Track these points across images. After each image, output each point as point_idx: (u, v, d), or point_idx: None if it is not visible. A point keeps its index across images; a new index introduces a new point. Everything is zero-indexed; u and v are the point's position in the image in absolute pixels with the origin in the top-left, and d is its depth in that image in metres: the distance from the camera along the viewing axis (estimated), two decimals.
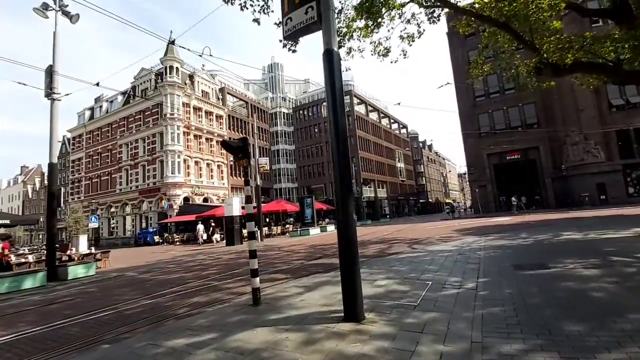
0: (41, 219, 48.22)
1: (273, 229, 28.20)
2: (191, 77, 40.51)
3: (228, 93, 47.44)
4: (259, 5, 8.73)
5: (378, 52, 12.23)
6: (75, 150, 48.46)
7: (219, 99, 45.02)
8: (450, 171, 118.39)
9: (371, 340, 3.23)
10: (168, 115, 35.16)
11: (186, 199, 36.26)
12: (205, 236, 25.41)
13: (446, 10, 11.45)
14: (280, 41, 10.28)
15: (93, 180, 44.48)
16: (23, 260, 12.13)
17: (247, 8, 8.70)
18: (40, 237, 64.98)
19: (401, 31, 11.58)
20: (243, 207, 32.30)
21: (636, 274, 5.06)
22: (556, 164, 31.58)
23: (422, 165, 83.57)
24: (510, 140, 33.29)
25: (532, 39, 8.95)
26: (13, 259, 11.77)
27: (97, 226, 28.36)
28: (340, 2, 10.92)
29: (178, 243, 28.01)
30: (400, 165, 69.23)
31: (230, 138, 44.56)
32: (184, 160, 36.62)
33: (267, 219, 35.25)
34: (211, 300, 5.72)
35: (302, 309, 4.50)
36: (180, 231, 31.52)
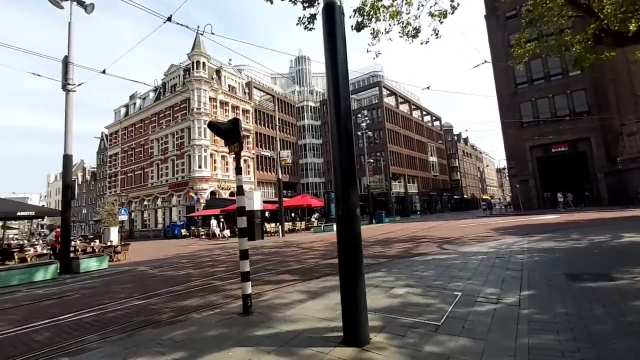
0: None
1: (297, 224, 27.67)
2: (218, 71, 40.81)
3: (255, 87, 47.45)
4: None
5: (407, 33, 11.02)
6: (112, 146, 50.83)
7: (245, 93, 45.14)
8: (487, 165, 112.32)
9: None
10: (195, 110, 35.61)
11: (213, 193, 36.70)
12: (217, 231, 25.50)
13: None
14: (299, 21, 9.55)
15: (128, 175, 46.38)
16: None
17: None
18: (76, 228, 69.39)
19: (431, 7, 10.31)
20: (266, 202, 32.19)
21: None
22: (610, 157, 28.32)
23: (456, 160, 79.59)
24: (556, 131, 30.30)
25: (590, 1, 7.46)
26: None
27: (126, 219, 29.23)
28: None
29: (203, 237, 28.27)
30: (433, 159, 66.29)
31: (256, 133, 44.67)
32: (211, 155, 37.01)
33: (293, 214, 34.96)
34: (203, 305, 5.07)
35: (297, 323, 3.70)
36: (206, 225, 31.87)
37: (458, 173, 78.78)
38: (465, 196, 79.01)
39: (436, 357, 2.70)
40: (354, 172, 3.26)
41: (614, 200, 27.24)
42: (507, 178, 40.42)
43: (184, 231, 31.66)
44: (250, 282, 4.29)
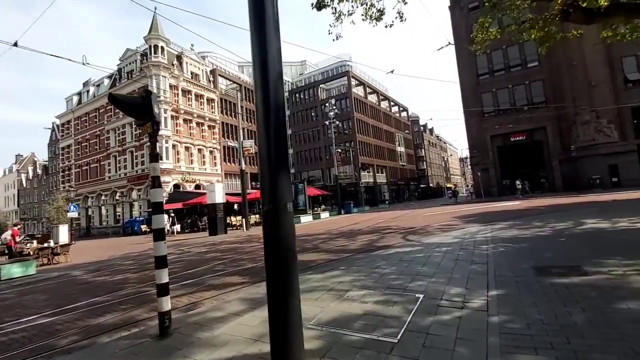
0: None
1: None
2: (179, 57, 38.31)
3: (220, 75, 45.26)
4: None
5: (370, 16, 10.33)
6: (65, 137, 46.74)
7: (210, 81, 42.89)
8: (451, 155, 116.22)
9: None
10: None
11: (176, 186, 34.75)
12: (168, 226, 24.14)
13: None
14: None
15: (83, 168, 42.93)
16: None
17: None
18: (28, 226, 64.19)
19: None
20: (233, 194, 30.82)
21: None
22: (564, 145, 29.67)
23: (422, 150, 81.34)
24: (515, 120, 31.34)
25: None
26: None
27: (76, 215, 26.86)
28: None
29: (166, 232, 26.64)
30: (401, 149, 67.14)
31: (222, 123, 42.71)
32: (173, 146, 34.91)
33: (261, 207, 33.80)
34: (119, 323, 4.16)
35: (223, 348, 2.93)
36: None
37: (424, 163, 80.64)
38: (431, 185, 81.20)
39: None
40: (285, 156, 2.48)
41: (568, 186, 28.65)
42: (470, 167, 41.46)
43: (144, 227, 29.64)
44: (169, 297, 3.46)
